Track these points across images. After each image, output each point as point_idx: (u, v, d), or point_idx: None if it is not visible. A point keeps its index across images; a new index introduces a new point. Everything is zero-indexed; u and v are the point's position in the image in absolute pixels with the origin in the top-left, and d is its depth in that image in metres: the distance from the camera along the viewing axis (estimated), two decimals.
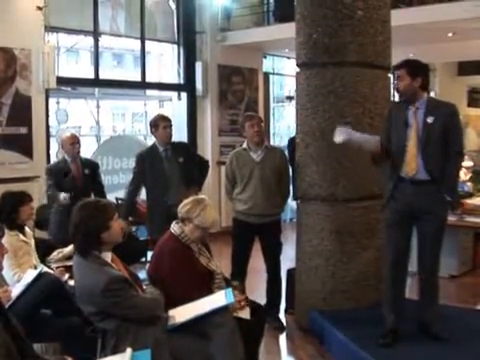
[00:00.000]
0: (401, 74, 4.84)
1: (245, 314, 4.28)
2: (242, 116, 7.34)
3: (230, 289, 4.19)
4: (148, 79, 11.30)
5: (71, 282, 4.83)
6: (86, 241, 3.79)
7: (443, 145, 4.77)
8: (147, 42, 11.22)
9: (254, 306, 4.40)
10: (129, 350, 3.16)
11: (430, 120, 4.77)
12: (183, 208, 4.48)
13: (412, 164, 4.81)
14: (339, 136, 4.98)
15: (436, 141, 4.76)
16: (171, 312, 4.05)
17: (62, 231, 6.25)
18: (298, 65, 6.14)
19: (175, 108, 11.79)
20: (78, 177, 6.83)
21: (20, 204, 5.30)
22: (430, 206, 4.82)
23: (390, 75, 6.09)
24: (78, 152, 6.89)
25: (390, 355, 4.81)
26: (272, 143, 12.25)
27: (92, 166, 7.12)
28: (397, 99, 5.21)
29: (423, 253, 4.98)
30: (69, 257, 5.45)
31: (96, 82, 10.52)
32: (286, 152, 7.07)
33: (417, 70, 4.86)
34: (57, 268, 5.35)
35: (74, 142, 6.83)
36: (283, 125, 14.97)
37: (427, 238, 4.91)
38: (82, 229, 3.78)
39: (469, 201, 7.69)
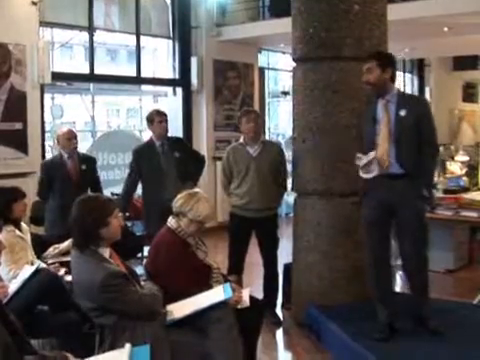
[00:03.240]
0: (371, 66, 4.86)
1: (244, 302, 4.27)
2: (238, 111, 7.34)
3: (228, 284, 4.20)
4: (143, 74, 11.28)
5: (68, 277, 4.82)
6: (84, 236, 3.78)
7: (416, 139, 4.76)
8: (142, 37, 11.19)
9: (252, 301, 4.39)
10: (128, 346, 3.15)
11: (403, 113, 4.77)
12: (177, 202, 4.48)
13: (385, 158, 4.78)
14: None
15: (409, 134, 4.76)
16: (169, 307, 4.04)
17: (58, 227, 6.27)
18: (294, 60, 6.13)
19: (170, 103, 11.75)
20: (75, 173, 6.80)
21: (13, 201, 5.27)
22: (406, 200, 4.80)
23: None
24: (75, 148, 6.86)
25: (386, 349, 4.81)
26: (268, 138, 12.23)
27: (89, 161, 7.08)
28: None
29: (405, 248, 4.94)
30: (65, 253, 5.43)
31: (91, 77, 10.50)
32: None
33: (386, 62, 4.91)
34: (52, 264, 5.33)
35: (71, 137, 6.77)
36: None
37: (407, 233, 4.89)
38: (80, 224, 3.78)
39: (465, 195, 7.68)
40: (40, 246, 5.64)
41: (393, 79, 4.94)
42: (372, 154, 4.81)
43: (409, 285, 5.12)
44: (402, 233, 4.95)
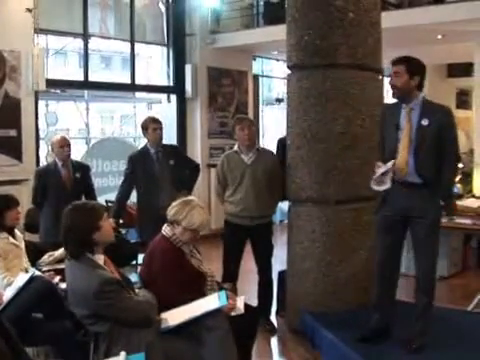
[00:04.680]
0: (399, 70, 4.71)
1: (239, 309, 4.27)
2: (232, 119, 7.34)
3: (223, 291, 4.19)
4: (137, 81, 11.29)
5: (62, 285, 4.81)
6: (78, 244, 3.78)
7: (437, 148, 4.67)
8: (136, 44, 11.20)
9: (246, 308, 4.38)
10: (123, 353, 3.15)
11: (425, 122, 4.66)
12: (171, 210, 4.47)
13: (403, 166, 4.71)
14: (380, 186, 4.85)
15: (430, 144, 4.66)
16: (164, 315, 4.04)
17: (52, 235, 6.26)
18: (289, 67, 6.14)
19: (164, 110, 11.76)
20: (68, 181, 6.79)
21: (6, 208, 5.26)
22: (422, 209, 4.73)
23: (380, 77, 6.11)
24: (68, 155, 6.84)
25: (382, 357, 4.81)
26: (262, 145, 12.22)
27: (83, 169, 7.07)
28: (390, 99, 5.13)
29: (417, 257, 4.90)
30: (60, 260, 5.42)
31: (85, 84, 10.50)
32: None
33: (416, 69, 4.76)
34: (47, 272, 5.32)
35: (63, 145, 6.75)
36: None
37: (420, 242, 4.84)
38: (73, 231, 3.78)
39: (459, 203, 7.71)
40: (35, 253, 5.64)
41: (420, 87, 4.81)
42: (390, 164, 4.71)
43: (415, 289, 5.06)
44: (416, 242, 4.88)
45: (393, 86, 4.77)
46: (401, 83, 4.71)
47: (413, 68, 4.74)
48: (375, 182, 4.80)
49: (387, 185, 4.74)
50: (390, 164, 4.71)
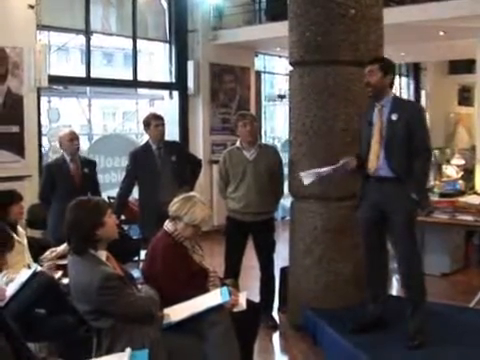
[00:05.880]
0: (373, 69, 4.93)
1: (241, 305, 4.28)
2: (234, 115, 7.35)
3: (226, 287, 4.20)
4: (139, 78, 11.30)
5: (64, 280, 4.82)
6: (82, 240, 3.78)
7: (408, 143, 4.81)
8: (138, 41, 11.20)
9: (248, 304, 4.39)
10: (128, 350, 3.16)
11: (394, 117, 4.84)
12: (173, 206, 4.48)
13: (374, 160, 4.89)
14: (308, 179, 5.14)
15: (400, 139, 4.81)
16: (166, 310, 4.05)
17: (60, 231, 6.25)
18: (291, 64, 6.15)
19: (166, 107, 11.76)
20: (77, 176, 6.77)
21: (9, 204, 5.27)
22: (395, 204, 4.84)
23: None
24: (77, 148, 6.83)
25: (383, 353, 4.82)
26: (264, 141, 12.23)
27: (91, 165, 7.07)
28: None
29: (396, 252, 5.02)
30: (62, 256, 5.42)
31: (88, 81, 10.50)
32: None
33: (388, 68, 4.99)
34: (49, 267, 5.32)
35: (72, 138, 6.73)
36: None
37: (396, 236, 4.96)
38: (77, 227, 3.79)
39: (461, 199, 7.70)
40: (37, 249, 5.63)
41: (391, 85, 5.03)
42: (331, 167, 5.04)
43: (403, 286, 5.11)
44: (392, 235, 5.02)
45: (367, 84, 4.98)
46: (375, 81, 4.92)
47: (386, 67, 4.98)
48: (308, 174, 5.14)
49: (310, 180, 5.12)
50: (331, 167, 5.04)
